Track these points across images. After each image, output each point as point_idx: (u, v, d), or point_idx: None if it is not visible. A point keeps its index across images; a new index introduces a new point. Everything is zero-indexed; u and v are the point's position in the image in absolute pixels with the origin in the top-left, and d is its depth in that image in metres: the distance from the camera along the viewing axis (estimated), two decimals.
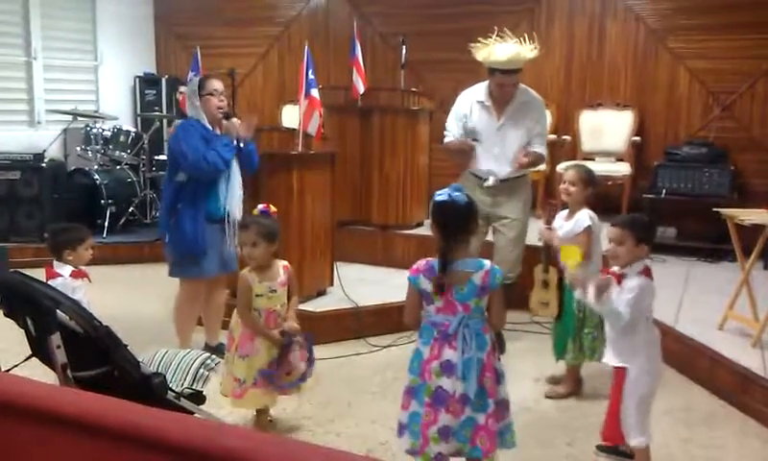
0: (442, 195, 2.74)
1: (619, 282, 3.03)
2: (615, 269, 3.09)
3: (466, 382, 2.66)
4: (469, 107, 4.65)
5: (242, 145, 4.21)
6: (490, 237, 4.81)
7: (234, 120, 4.24)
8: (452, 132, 4.71)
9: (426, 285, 2.72)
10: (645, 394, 3.05)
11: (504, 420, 2.80)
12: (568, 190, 3.93)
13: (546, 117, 4.72)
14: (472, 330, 2.70)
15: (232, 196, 4.20)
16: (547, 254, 4.04)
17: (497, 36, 4.45)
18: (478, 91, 4.65)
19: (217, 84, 4.19)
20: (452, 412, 2.67)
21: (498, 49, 4.39)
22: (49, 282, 3.38)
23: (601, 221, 3.90)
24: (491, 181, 4.59)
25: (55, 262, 3.58)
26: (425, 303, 2.76)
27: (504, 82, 4.44)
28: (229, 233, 4.19)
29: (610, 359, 3.13)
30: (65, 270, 3.54)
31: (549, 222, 4.00)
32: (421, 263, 2.76)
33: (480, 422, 2.68)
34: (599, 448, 3.38)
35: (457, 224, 2.72)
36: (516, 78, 4.48)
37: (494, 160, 4.60)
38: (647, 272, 3.05)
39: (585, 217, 3.86)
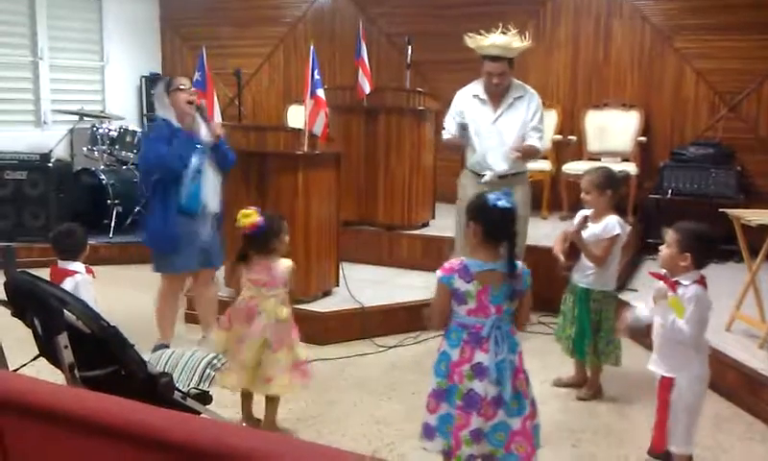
0: (501, 200, 2.70)
1: (674, 289, 2.96)
2: (665, 274, 3.02)
3: (500, 386, 2.65)
4: (465, 102, 4.69)
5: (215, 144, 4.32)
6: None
7: (214, 123, 4.34)
8: (449, 129, 4.74)
9: (461, 285, 2.69)
10: (696, 402, 2.99)
11: (535, 419, 2.79)
12: (584, 199, 3.92)
13: (542, 111, 4.69)
14: (504, 333, 2.69)
15: (207, 190, 4.26)
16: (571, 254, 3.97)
17: (495, 29, 4.49)
18: (474, 87, 4.70)
19: (184, 80, 4.31)
20: (484, 415, 2.65)
21: (489, 38, 4.45)
22: (67, 280, 3.47)
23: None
24: (488, 177, 4.58)
25: (61, 262, 3.59)
26: (456, 303, 2.72)
27: (492, 69, 4.47)
28: (208, 226, 4.28)
29: (657, 368, 3.03)
30: (79, 267, 3.57)
31: (580, 228, 3.92)
32: (455, 263, 2.73)
33: (515, 426, 2.67)
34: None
35: (506, 228, 2.72)
36: (504, 67, 4.48)
37: (490, 155, 4.61)
38: (702, 281, 2.99)
39: (615, 224, 3.82)
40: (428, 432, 2.78)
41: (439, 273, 2.74)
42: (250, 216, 3.39)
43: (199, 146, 4.23)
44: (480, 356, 2.67)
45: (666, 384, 2.99)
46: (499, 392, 2.65)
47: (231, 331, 3.45)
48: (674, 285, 2.96)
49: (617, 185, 3.92)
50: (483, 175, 4.62)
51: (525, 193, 4.75)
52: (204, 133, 4.28)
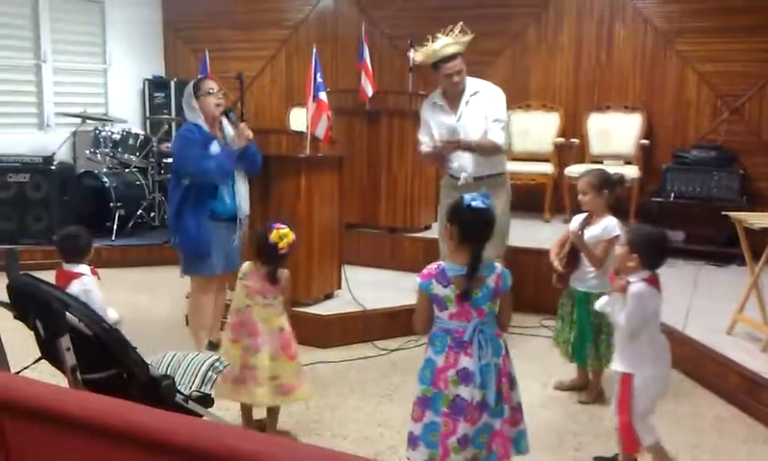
0: (476, 201, 2.68)
1: (624, 288, 3.03)
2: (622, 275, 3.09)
3: (485, 390, 2.63)
4: (428, 112, 4.69)
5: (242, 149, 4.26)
6: None
7: (242, 125, 4.26)
8: (424, 141, 4.70)
9: (439, 290, 2.66)
10: (648, 403, 3.03)
11: (518, 426, 2.78)
12: (582, 201, 3.92)
13: (502, 102, 4.61)
14: (487, 336, 2.67)
15: (240, 194, 4.25)
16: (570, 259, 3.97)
17: (432, 37, 4.52)
18: (432, 96, 4.71)
19: (213, 84, 4.26)
20: (470, 420, 2.63)
21: (436, 43, 4.47)
22: (74, 283, 3.48)
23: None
24: (462, 179, 4.55)
25: (66, 264, 3.60)
26: (437, 308, 2.70)
27: (452, 68, 4.46)
28: (238, 230, 4.26)
29: (616, 365, 3.12)
30: (85, 269, 3.59)
31: (582, 229, 3.92)
32: (433, 267, 2.71)
33: (496, 427, 2.66)
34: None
35: (487, 231, 2.70)
36: (461, 62, 4.49)
37: (461, 157, 4.57)
38: (652, 280, 3.02)
39: (614, 226, 3.82)
40: (412, 442, 2.74)
41: (417, 278, 2.74)
42: (288, 235, 3.40)
43: (232, 156, 4.19)
44: (465, 361, 2.64)
45: (626, 380, 3.03)
46: (484, 395, 2.63)
47: (239, 343, 3.43)
48: (624, 285, 3.02)
49: (613, 186, 3.93)
50: (459, 178, 4.59)
51: (505, 194, 4.68)
52: (232, 136, 4.24)
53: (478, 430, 2.64)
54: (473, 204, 2.68)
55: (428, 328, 2.76)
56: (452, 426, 2.63)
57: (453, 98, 4.58)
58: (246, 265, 3.53)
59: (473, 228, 2.68)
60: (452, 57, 4.45)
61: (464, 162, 4.58)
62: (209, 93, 4.18)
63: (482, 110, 4.52)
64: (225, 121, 4.28)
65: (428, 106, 4.72)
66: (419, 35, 7.27)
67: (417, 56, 4.58)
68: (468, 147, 4.50)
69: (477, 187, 4.46)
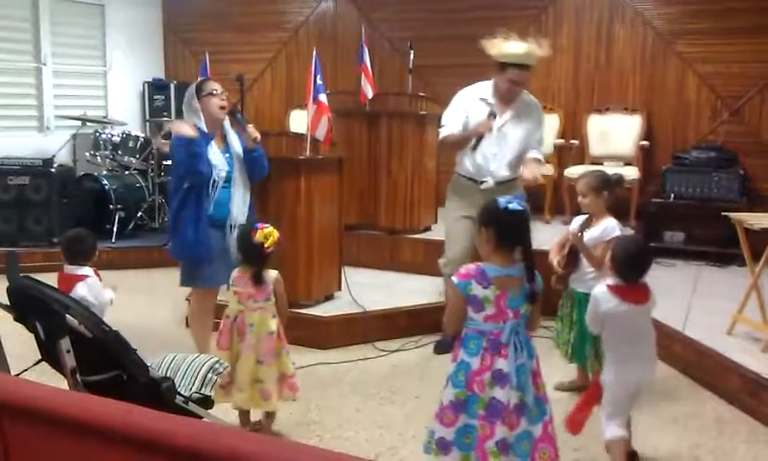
0: (513, 203, 2.67)
1: None
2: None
3: (522, 392, 2.60)
4: (470, 104, 4.52)
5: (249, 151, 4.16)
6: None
7: (250, 127, 4.14)
8: (450, 126, 4.54)
9: (479, 291, 2.64)
10: (610, 402, 3.13)
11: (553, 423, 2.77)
12: (582, 202, 3.92)
13: (544, 121, 4.66)
14: (522, 338, 2.66)
15: (235, 201, 4.09)
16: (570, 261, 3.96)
17: (504, 35, 4.38)
18: (481, 89, 4.54)
19: (216, 85, 4.11)
20: (508, 424, 2.60)
21: (513, 44, 4.33)
22: (79, 285, 3.51)
23: None
24: (489, 183, 4.49)
25: (69, 266, 3.61)
26: (472, 309, 2.66)
27: (518, 78, 4.36)
28: (231, 238, 4.05)
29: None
30: (89, 271, 3.61)
31: (582, 231, 3.91)
32: (471, 268, 2.68)
33: (537, 434, 2.62)
34: None
35: (521, 232, 2.69)
36: (527, 75, 4.41)
37: (493, 160, 4.49)
38: (618, 289, 3.04)
39: (614, 227, 3.81)
40: (444, 446, 2.67)
41: (455, 278, 2.70)
42: (272, 234, 3.37)
43: (228, 154, 4.08)
44: (500, 363, 2.61)
45: (596, 371, 3.20)
46: (521, 398, 2.61)
47: (231, 349, 3.43)
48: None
49: (612, 187, 3.92)
50: (482, 181, 4.52)
51: (521, 197, 4.68)
52: (238, 139, 4.13)
53: (518, 437, 2.61)
54: (510, 206, 2.67)
55: (460, 330, 2.73)
56: (490, 430, 2.60)
57: (505, 102, 4.48)
58: (234, 272, 3.52)
59: (514, 231, 2.68)
60: (522, 66, 4.35)
61: (495, 167, 4.50)
62: (212, 94, 4.05)
63: (527, 124, 4.48)
64: (227, 123, 4.16)
65: (472, 97, 4.53)
66: (418, 36, 7.35)
67: (488, 45, 4.37)
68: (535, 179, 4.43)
69: (498, 191, 4.32)
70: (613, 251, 3.11)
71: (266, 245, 3.36)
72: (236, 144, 4.14)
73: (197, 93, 4.06)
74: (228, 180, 4.07)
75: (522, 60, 4.33)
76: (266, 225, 3.41)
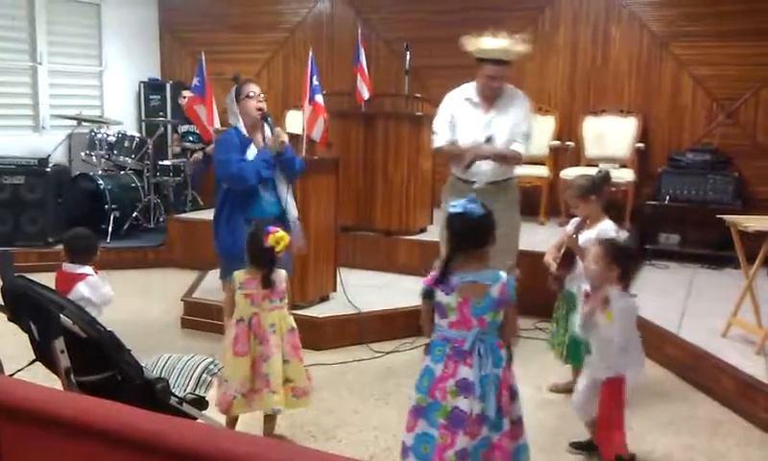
0: (456, 207, 2.65)
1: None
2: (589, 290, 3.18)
3: (485, 402, 2.55)
4: (456, 105, 4.51)
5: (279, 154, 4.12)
6: None
7: (277, 130, 4.12)
8: (441, 134, 4.53)
9: (441, 298, 2.63)
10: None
11: (518, 440, 2.70)
12: (575, 211, 3.93)
13: (530, 114, 4.57)
14: (488, 346, 2.60)
15: (283, 198, 4.15)
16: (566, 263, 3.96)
17: (489, 32, 4.38)
18: (466, 90, 4.53)
19: (254, 87, 4.13)
20: (470, 433, 2.54)
21: (489, 40, 4.34)
22: (80, 285, 3.52)
23: None
24: (480, 182, 4.42)
25: (69, 265, 3.62)
26: (438, 316, 2.66)
27: (494, 73, 4.33)
28: (294, 235, 4.07)
29: (600, 374, 3.14)
30: (89, 270, 3.62)
31: (577, 233, 3.92)
32: (435, 273, 2.68)
33: (494, 440, 2.58)
34: None
35: (470, 237, 2.64)
36: (505, 70, 4.38)
37: (487, 163, 4.45)
38: (625, 288, 3.11)
39: (609, 229, 3.80)
40: (404, 452, 2.68)
41: (421, 283, 2.70)
42: (284, 238, 3.35)
43: (267, 155, 4.07)
44: (464, 371, 2.57)
45: (614, 383, 3.09)
46: (483, 408, 2.55)
47: (248, 355, 3.34)
48: (604, 299, 3.13)
49: (599, 188, 3.89)
50: (473, 182, 4.46)
51: (515, 197, 4.63)
52: (268, 140, 4.11)
53: (477, 445, 2.56)
54: (452, 210, 2.67)
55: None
56: (450, 439, 2.55)
57: (489, 99, 4.45)
58: (237, 274, 3.45)
59: (461, 234, 2.66)
60: (499, 61, 4.33)
61: (484, 167, 4.46)
62: (249, 97, 4.07)
63: (514, 120, 4.43)
64: (265, 126, 4.15)
65: (457, 100, 4.53)
66: (414, 37, 7.35)
67: (466, 42, 4.37)
68: (499, 158, 4.41)
69: (490, 191, 4.38)
70: (618, 256, 3.10)
71: (277, 249, 3.33)
72: (270, 145, 4.11)
73: (236, 97, 4.09)
74: (272, 179, 4.11)
75: (498, 55, 4.32)
76: (277, 229, 3.37)
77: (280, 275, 3.45)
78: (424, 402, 2.63)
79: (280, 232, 3.36)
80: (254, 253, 3.40)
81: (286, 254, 3.95)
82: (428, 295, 2.67)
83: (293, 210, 4.21)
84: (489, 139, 4.40)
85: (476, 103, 4.47)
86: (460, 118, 4.48)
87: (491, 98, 4.46)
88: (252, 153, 4.05)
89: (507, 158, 4.43)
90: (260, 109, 4.09)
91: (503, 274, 2.68)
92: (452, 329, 2.63)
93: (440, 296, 2.64)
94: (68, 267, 3.62)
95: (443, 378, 2.60)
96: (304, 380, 3.42)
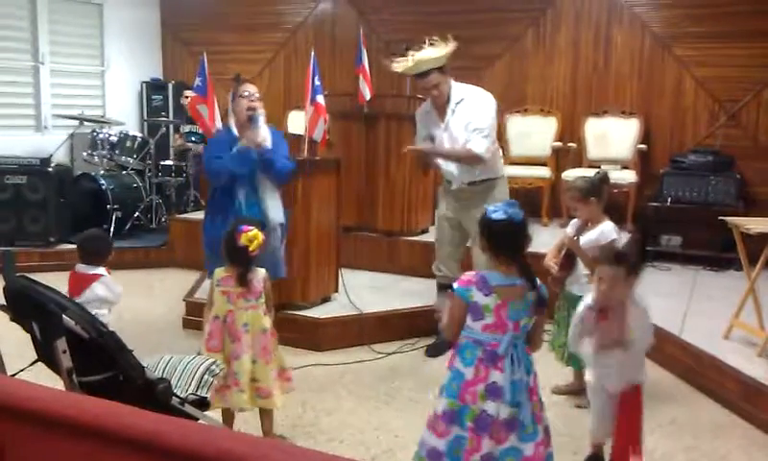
0: (498, 212, 2.61)
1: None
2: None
3: (517, 408, 2.53)
4: (421, 119, 4.71)
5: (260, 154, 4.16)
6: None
7: (256, 131, 4.12)
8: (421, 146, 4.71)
9: (479, 298, 2.57)
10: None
11: (549, 447, 2.67)
12: (575, 214, 3.93)
13: (486, 110, 4.51)
14: (520, 352, 2.58)
15: (266, 202, 4.19)
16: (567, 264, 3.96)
17: (418, 45, 4.45)
18: (426, 103, 4.70)
19: (249, 87, 4.21)
20: (495, 438, 2.52)
21: (399, 63, 4.46)
22: (95, 285, 3.58)
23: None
24: (455, 184, 4.61)
25: (82, 266, 3.66)
26: (471, 317, 2.59)
27: (425, 85, 4.46)
28: (270, 238, 4.07)
29: (617, 387, 3.03)
30: (102, 271, 3.66)
31: (578, 234, 3.91)
32: (472, 275, 2.63)
33: (527, 452, 2.55)
34: None
35: (515, 241, 2.61)
36: (435, 78, 4.42)
37: (448, 164, 4.60)
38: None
39: (610, 230, 3.80)
40: (436, 457, 2.60)
41: (455, 284, 2.65)
42: (257, 237, 3.33)
43: (253, 156, 4.11)
44: (495, 376, 2.53)
45: (632, 393, 3.01)
46: (513, 414, 2.53)
47: (222, 351, 3.35)
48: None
49: (598, 189, 3.88)
50: (452, 182, 4.64)
51: (495, 198, 4.51)
52: (270, 140, 4.15)
53: (504, 452, 2.53)
54: (494, 216, 2.62)
55: (457, 336, 2.66)
56: (476, 443, 2.52)
57: (441, 107, 4.55)
58: (218, 271, 3.45)
59: (501, 239, 2.62)
60: (426, 73, 4.41)
61: (450, 168, 4.60)
62: (242, 96, 4.16)
63: (465, 119, 4.47)
64: (263, 126, 4.17)
65: (421, 113, 4.74)
66: (416, 39, 7.34)
67: (396, 67, 4.51)
68: (443, 156, 4.56)
69: (471, 192, 4.57)
70: (633, 262, 3.01)
71: (250, 248, 3.34)
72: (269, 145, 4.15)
73: (232, 95, 4.21)
74: (254, 179, 4.16)
75: (413, 71, 4.44)
76: (251, 228, 3.35)
77: (258, 274, 3.42)
78: (456, 406, 2.58)
79: (254, 231, 3.34)
80: (230, 250, 3.40)
81: (270, 255, 4.01)
82: (464, 295, 2.61)
83: (275, 215, 4.22)
84: (432, 138, 4.56)
85: (430, 112, 4.64)
86: (423, 131, 4.68)
87: (440, 106, 4.56)
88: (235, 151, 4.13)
89: (459, 158, 4.51)
90: (251, 109, 4.14)
91: (537, 279, 2.65)
92: (486, 332, 2.57)
93: (477, 296, 2.58)
94: (81, 268, 3.66)
95: (474, 382, 2.56)
96: (270, 381, 3.38)
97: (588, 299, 3.07)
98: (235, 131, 4.17)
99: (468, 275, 2.66)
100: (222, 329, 3.38)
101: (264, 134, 4.11)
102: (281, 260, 4.35)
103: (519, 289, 2.59)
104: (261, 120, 4.14)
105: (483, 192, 4.55)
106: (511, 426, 2.53)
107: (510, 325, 2.57)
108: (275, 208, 4.25)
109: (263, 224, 3.99)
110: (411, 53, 4.44)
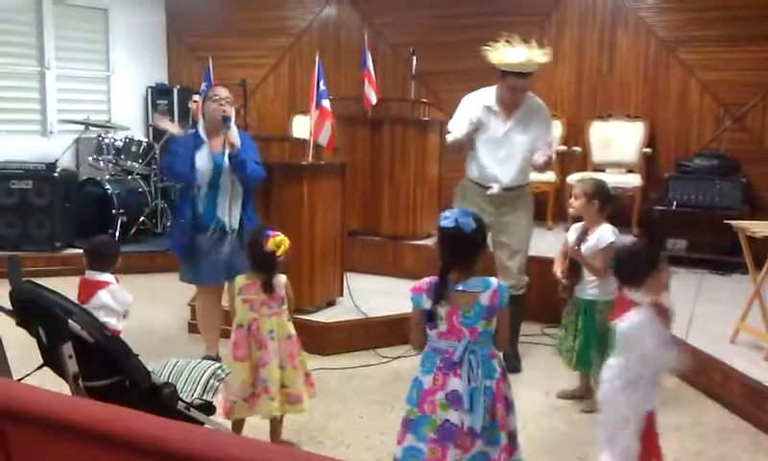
0: (448, 220, 2.58)
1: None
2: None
3: (473, 414, 2.47)
4: (476, 110, 4.50)
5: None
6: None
7: (226, 134, 4.18)
8: (455, 131, 4.50)
9: (429, 305, 2.57)
10: None
11: (513, 455, 2.62)
12: (572, 204, 3.93)
13: (551, 123, 4.61)
14: (479, 357, 2.53)
15: (223, 205, 4.24)
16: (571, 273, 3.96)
17: (506, 40, 4.36)
18: (485, 96, 4.53)
19: (219, 91, 4.30)
20: (461, 446, 2.48)
21: (512, 52, 4.30)
22: (102, 292, 3.61)
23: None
24: (495, 189, 4.45)
25: (90, 272, 3.69)
26: (429, 326, 2.59)
27: (517, 85, 4.34)
28: (226, 242, 4.25)
29: (649, 406, 2.82)
30: (110, 277, 3.70)
31: (579, 243, 3.91)
32: (424, 281, 2.62)
33: (493, 456, 2.51)
34: None
35: (462, 251, 2.58)
36: (529, 82, 4.38)
37: (498, 166, 4.46)
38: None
39: (608, 233, 3.81)
40: None
41: (410, 292, 2.64)
42: (284, 242, 3.32)
43: (217, 159, 4.19)
44: (454, 383, 2.49)
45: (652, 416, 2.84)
46: (473, 421, 2.48)
47: (249, 361, 3.33)
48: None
49: (606, 197, 3.89)
50: (489, 187, 4.48)
51: (529, 203, 4.68)
52: (240, 145, 4.21)
53: (472, 458, 2.50)
54: (443, 223, 2.60)
55: (423, 344, 2.65)
56: (441, 453, 2.48)
57: (509, 108, 4.45)
58: (239, 279, 3.43)
59: (448, 247, 2.60)
60: (521, 73, 4.30)
61: (501, 174, 4.47)
62: (211, 99, 4.25)
63: (534, 129, 4.44)
64: (234, 130, 4.27)
65: (477, 104, 4.51)
66: (421, 42, 7.36)
67: (490, 53, 4.35)
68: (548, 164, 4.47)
69: (505, 197, 4.47)
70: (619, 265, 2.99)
71: (278, 253, 3.31)
72: (222, 147, 4.23)
73: (203, 98, 4.36)
74: (215, 184, 4.22)
75: (522, 67, 4.30)
76: (277, 233, 3.33)
77: (280, 280, 3.41)
78: (413, 415, 2.57)
79: (280, 236, 3.33)
80: (254, 258, 3.37)
81: (236, 254, 4.16)
82: (416, 302, 2.61)
83: (226, 219, 4.26)
84: (476, 127, 4.43)
85: (495, 111, 4.48)
86: (482, 120, 4.48)
87: (511, 107, 4.46)
88: (202, 154, 4.20)
89: (546, 164, 4.46)
90: (219, 112, 4.21)
91: (494, 280, 2.61)
92: (441, 340, 2.56)
93: (427, 303, 2.57)
94: (90, 274, 3.68)
95: (432, 391, 2.54)
96: (299, 386, 3.39)
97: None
98: (203, 133, 4.24)
99: (422, 281, 2.64)
100: (247, 338, 3.35)
101: (235, 136, 4.24)
102: (240, 262, 4.20)
103: (469, 295, 2.55)
104: (232, 122, 4.27)
105: (516, 197, 4.54)
106: (474, 434, 2.49)
107: (465, 331, 2.53)
108: (227, 213, 4.26)
109: (224, 227, 4.22)
110: (513, 45, 4.32)
